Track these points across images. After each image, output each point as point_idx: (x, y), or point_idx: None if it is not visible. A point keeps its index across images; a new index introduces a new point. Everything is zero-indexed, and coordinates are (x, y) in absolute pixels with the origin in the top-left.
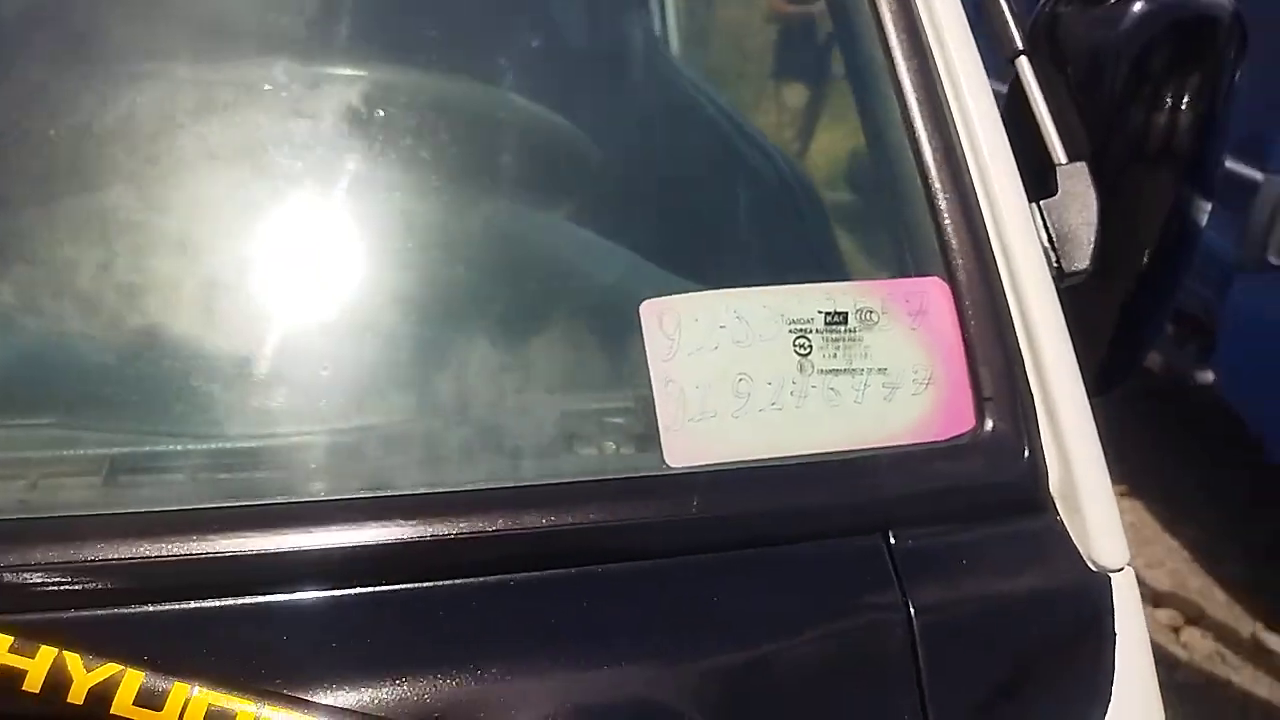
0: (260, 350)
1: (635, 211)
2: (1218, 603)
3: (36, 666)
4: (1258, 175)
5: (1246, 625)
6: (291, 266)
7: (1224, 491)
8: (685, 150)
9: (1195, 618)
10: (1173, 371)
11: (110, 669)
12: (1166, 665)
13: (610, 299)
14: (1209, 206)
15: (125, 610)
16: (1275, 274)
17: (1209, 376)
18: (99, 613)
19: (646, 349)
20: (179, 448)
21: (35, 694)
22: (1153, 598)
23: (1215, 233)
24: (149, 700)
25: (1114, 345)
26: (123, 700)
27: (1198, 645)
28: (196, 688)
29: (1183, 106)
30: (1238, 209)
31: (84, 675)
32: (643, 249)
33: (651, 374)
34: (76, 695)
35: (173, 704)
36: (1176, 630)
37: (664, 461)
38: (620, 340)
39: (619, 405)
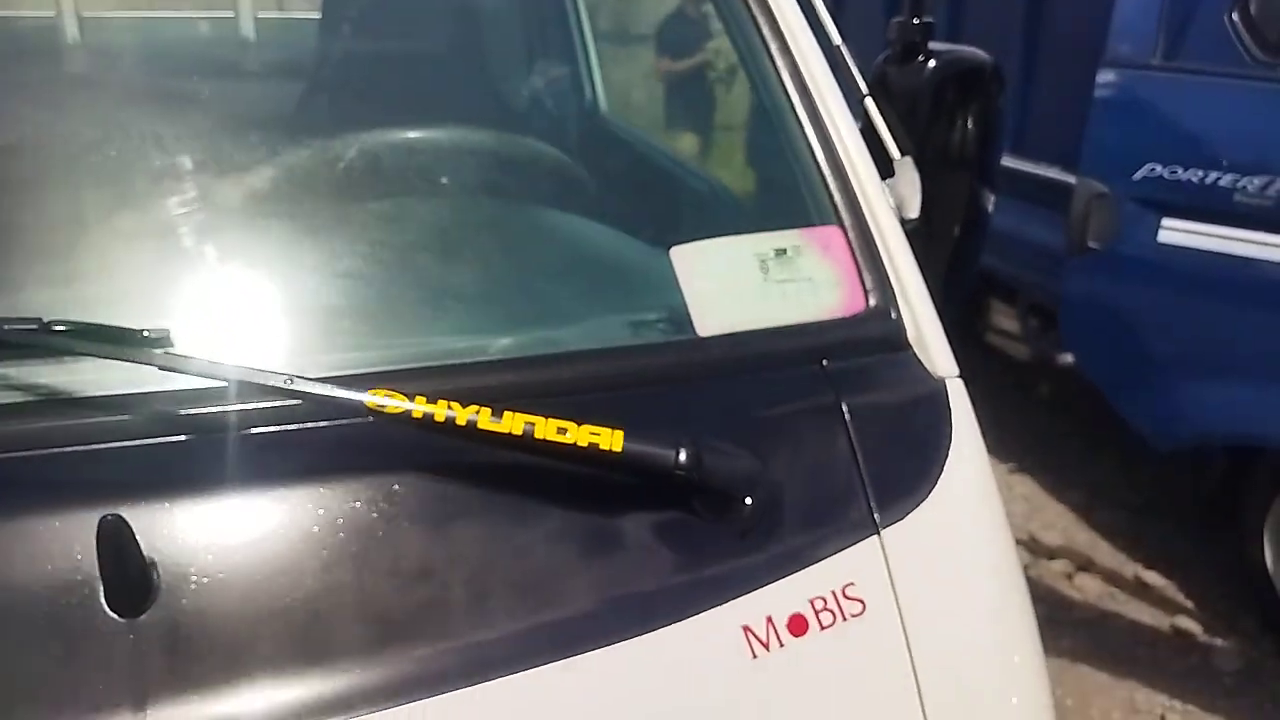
0: None
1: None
2: (1103, 551)
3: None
4: (1072, 180)
5: (1129, 568)
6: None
7: (1100, 457)
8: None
9: (1084, 565)
10: (1039, 359)
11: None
12: (1063, 606)
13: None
14: (993, 194)
15: None
16: (1094, 255)
17: (1068, 358)
18: None
19: (677, 271)
20: None
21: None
22: (1047, 552)
23: (1048, 232)
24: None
25: (947, 279)
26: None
27: (1089, 587)
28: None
29: (968, 126)
30: (1063, 210)
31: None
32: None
33: (682, 284)
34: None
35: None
36: (1070, 576)
37: (695, 331)
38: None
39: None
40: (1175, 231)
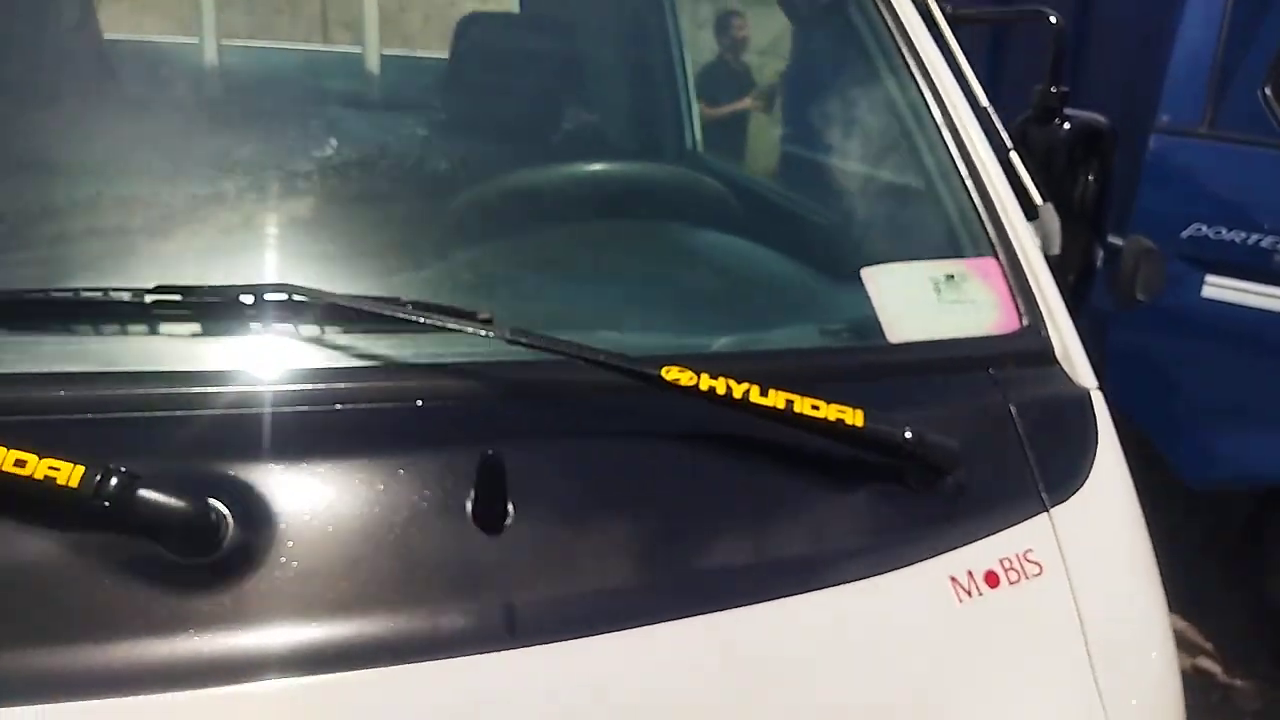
0: None
1: None
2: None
3: None
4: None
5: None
6: None
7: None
8: None
9: None
10: None
11: None
12: None
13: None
14: (1101, 248)
15: None
16: (1141, 308)
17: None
18: None
19: (868, 287)
20: None
21: None
22: None
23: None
24: None
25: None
26: None
27: None
28: None
29: (1089, 181)
30: (1112, 269)
31: None
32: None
33: (872, 298)
34: None
35: None
36: None
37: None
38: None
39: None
40: (1217, 288)
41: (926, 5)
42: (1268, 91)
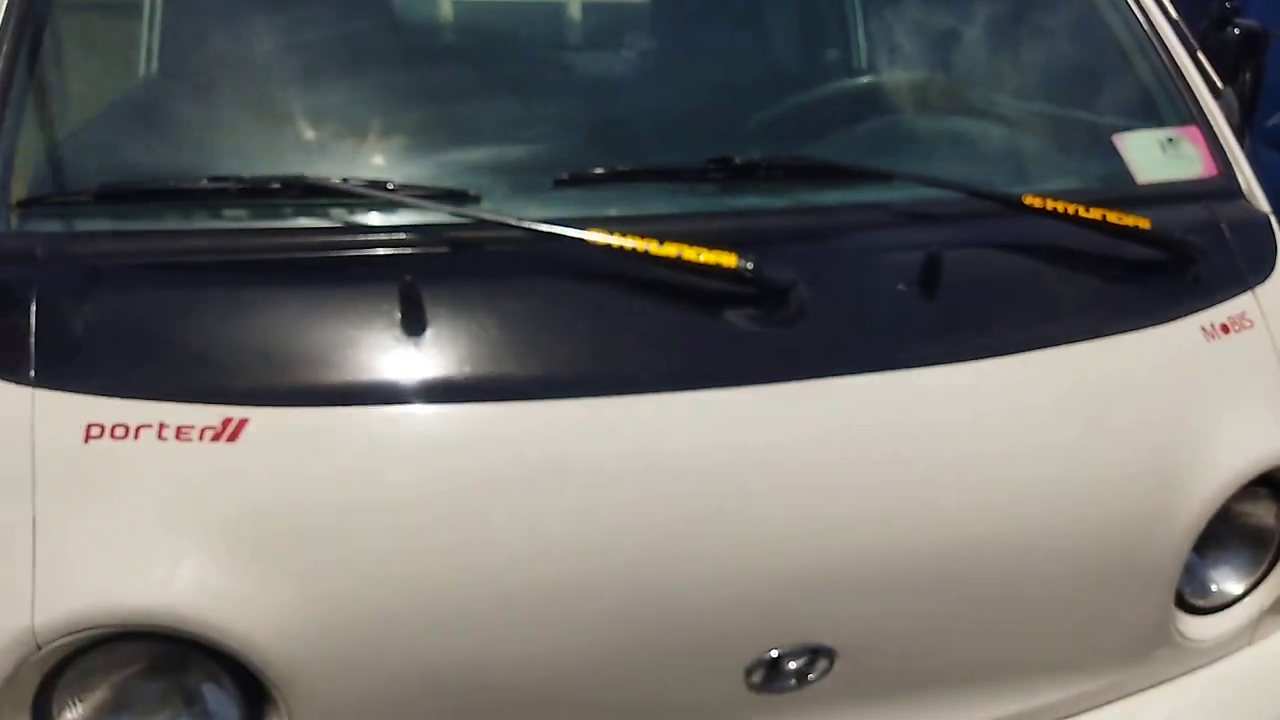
0: None
1: None
2: None
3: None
4: None
5: None
6: None
7: None
8: None
9: None
10: None
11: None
12: None
13: None
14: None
15: None
16: None
17: None
18: None
19: (1120, 147)
20: None
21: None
22: None
23: None
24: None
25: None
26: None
27: None
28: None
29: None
30: None
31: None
32: None
33: (1124, 154)
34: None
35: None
36: None
37: (1135, 180)
38: None
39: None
40: None
41: None
42: None
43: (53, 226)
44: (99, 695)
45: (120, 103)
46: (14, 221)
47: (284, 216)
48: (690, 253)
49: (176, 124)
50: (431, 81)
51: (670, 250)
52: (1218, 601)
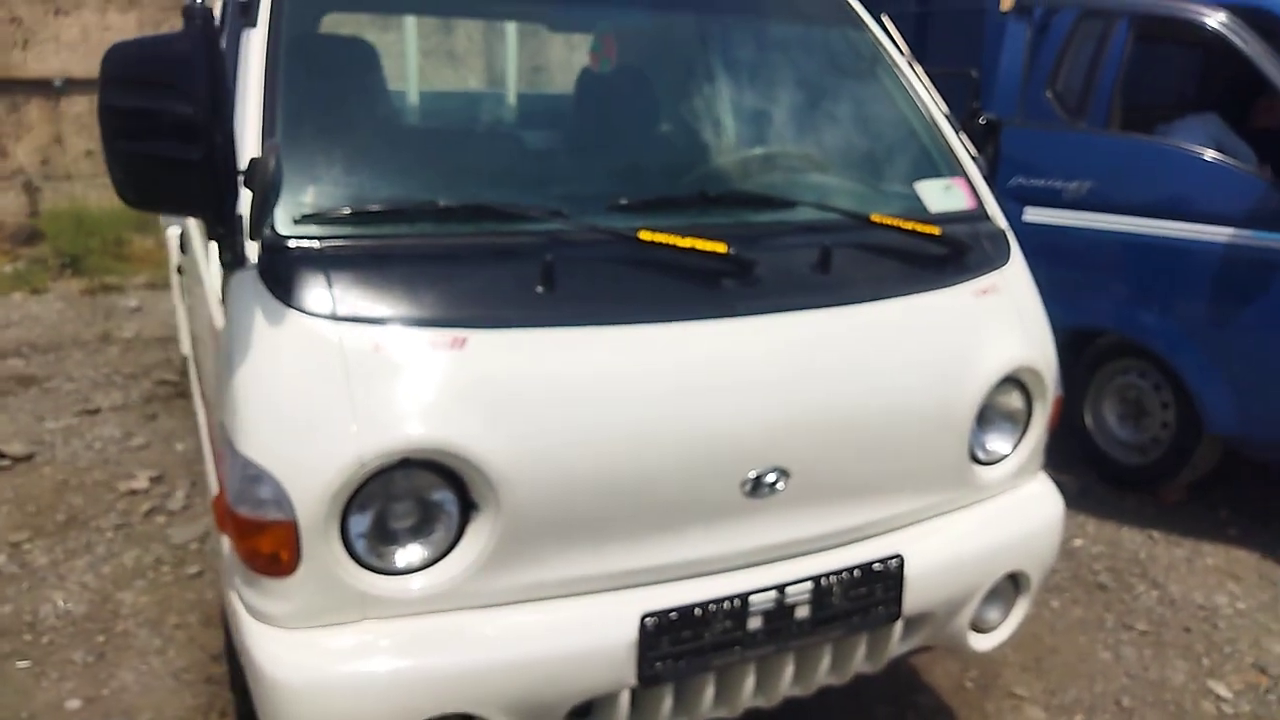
0: None
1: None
2: None
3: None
4: None
5: None
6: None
7: None
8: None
9: None
10: None
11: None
12: None
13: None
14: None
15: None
16: None
17: None
18: None
19: (918, 189)
20: None
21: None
22: None
23: None
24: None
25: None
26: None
27: None
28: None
29: (992, 145)
30: None
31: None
32: None
33: (920, 194)
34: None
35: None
36: None
37: (929, 210)
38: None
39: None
40: (1033, 212)
41: (897, 43)
42: (1048, 94)
43: (318, 230)
44: (376, 505)
45: (353, 142)
46: (297, 228)
47: (472, 223)
48: (700, 243)
49: (396, 165)
50: (542, 146)
51: (688, 241)
52: (994, 458)
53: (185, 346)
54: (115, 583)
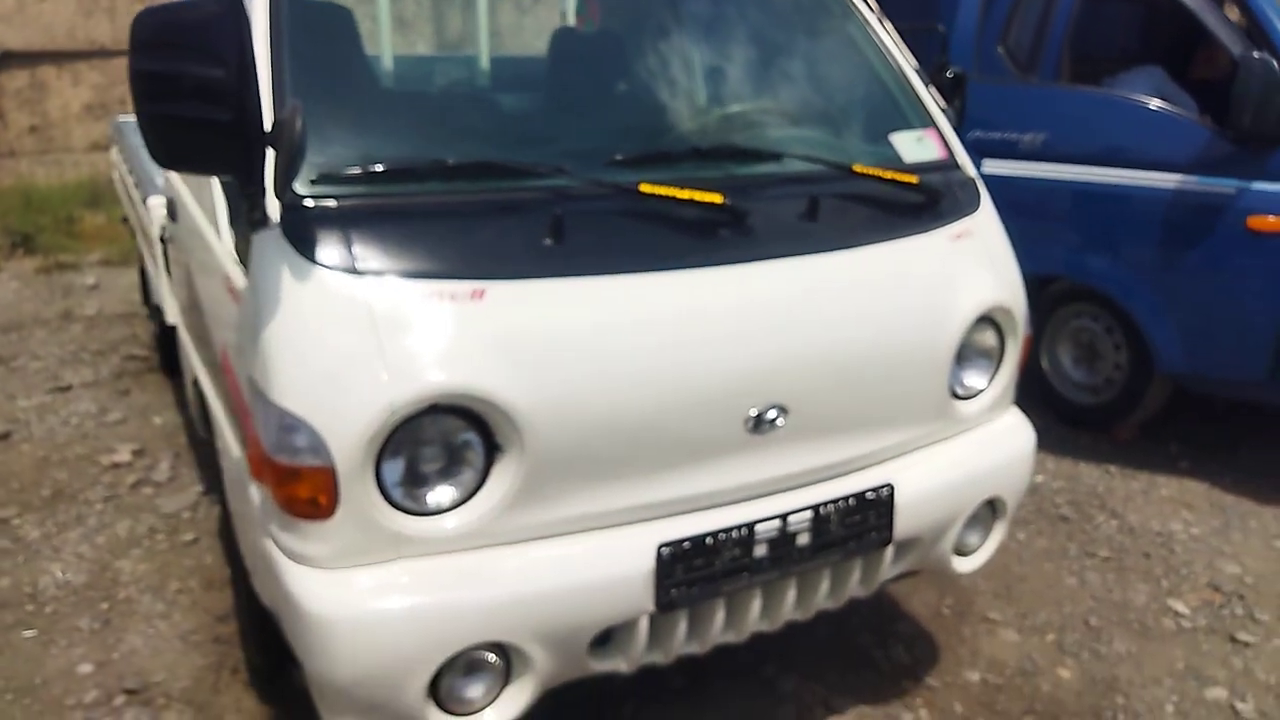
0: None
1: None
2: None
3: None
4: None
5: None
6: None
7: None
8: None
9: None
10: None
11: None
12: None
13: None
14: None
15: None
16: None
17: None
18: None
19: (893, 140)
20: None
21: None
22: None
23: None
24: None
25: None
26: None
27: None
28: None
29: (959, 95)
30: None
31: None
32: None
33: (895, 145)
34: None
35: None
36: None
37: (903, 160)
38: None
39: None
40: (988, 165)
41: (868, 2)
42: (999, 50)
43: (338, 189)
44: (407, 449)
45: (359, 105)
46: (314, 188)
47: (481, 181)
48: (698, 195)
49: (402, 126)
50: (535, 106)
51: (686, 193)
52: (971, 392)
53: (171, 316)
54: (111, 552)
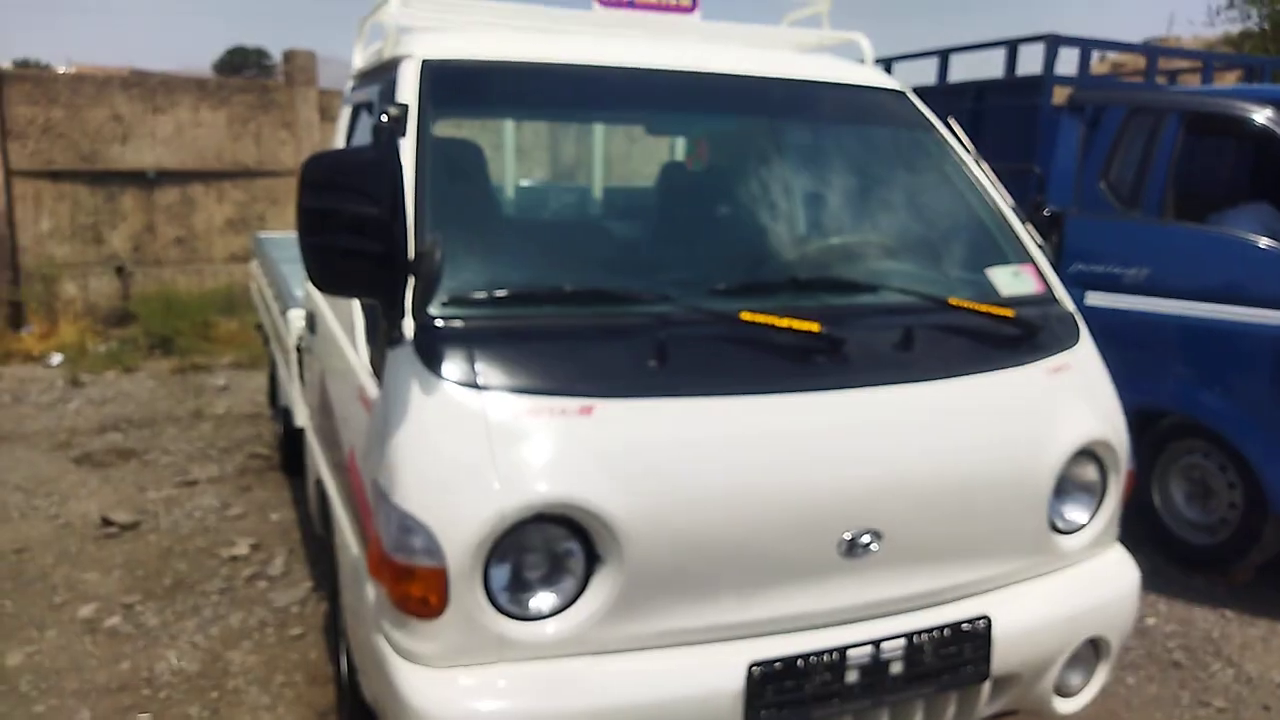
0: None
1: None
2: None
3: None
4: None
5: None
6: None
7: None
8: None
9: None
10: None
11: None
12: None
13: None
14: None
15: None
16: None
17: None
18: None
19: (989, 274)
20: None
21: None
22: None
23: None
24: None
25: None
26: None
27: None
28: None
29: (1056, 234)
30: None
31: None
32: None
33: (991, 278)
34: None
35: None
36: None
37: (1000, 294)
38: None
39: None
40: (1094, 296)
41: (963, 142)
42: (1101, 185)
43: (465, 312)
44: (513, 555)
45: (486, 236)
46: (444, 309)
47: (593, 306)
48: (796, 323)
49: (523, 255)
50: (644, 237)
51: (785, 321)
52: (1073, 527)
53: (300, 419)
54: (223, 642)
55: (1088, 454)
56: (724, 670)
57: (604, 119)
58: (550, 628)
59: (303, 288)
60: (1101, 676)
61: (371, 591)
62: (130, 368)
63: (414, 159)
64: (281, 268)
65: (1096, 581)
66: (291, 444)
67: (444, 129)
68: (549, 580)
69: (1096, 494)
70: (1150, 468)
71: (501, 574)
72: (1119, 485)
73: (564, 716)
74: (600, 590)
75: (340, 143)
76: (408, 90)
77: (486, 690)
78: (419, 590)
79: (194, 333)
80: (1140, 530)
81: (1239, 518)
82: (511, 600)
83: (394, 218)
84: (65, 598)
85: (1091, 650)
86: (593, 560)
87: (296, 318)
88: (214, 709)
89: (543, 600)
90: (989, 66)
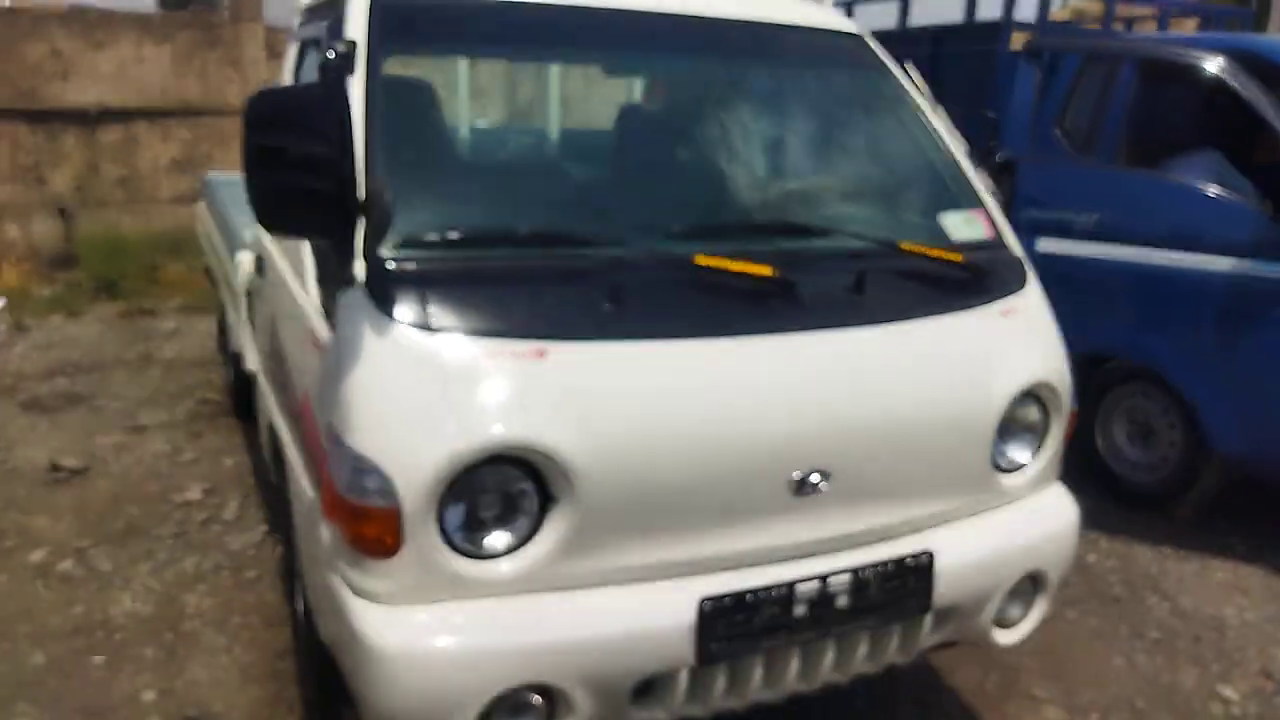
0: None
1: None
2: None
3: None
4: None
5: None
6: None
7: None
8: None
9: None
10: None
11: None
12: None
13: None
14: (1002, 199)
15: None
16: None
17: None
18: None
19: (942, 219)
20: None
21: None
22: None
23: None
24: None
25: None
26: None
27: None
28: None
29: (1008, 178)
30: None
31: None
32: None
33: (943, 223)
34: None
35: None
36: None
37: (950, 239)
38: None
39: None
40: (1043, 244)
41: (919, 86)
42: (1056, 131)
43: (417, 254)
44: (467, 496)
45: (439, 176)
46: (396, 252)
47: (547, 248)
48: (750, 267)
49: (477, 197)
50: (599, 178)
51: (739, 265)
52: (1014, 466)
53: (251, 363)
54: (178, 586)
55: (1031, 396)
56: (676, 605)
57: (558, 59)
58: (505, 566)
59: (252, 230)
60: (1040, 609)
61: (326, 533)
62: (76, 312)
63: (363, 97)
64: (230, 209)
65: (1036, 518)
66: (242, 389)
67: (394, 66)
68: (503, 520)
69: (1039, 434)
70: (1095, 410)
71: (456, 514)
72: (1061, 426)
73: (520, 651)
74: (554, 529)
75: (288, 80)
76: (356, 26)
77: (443, 626)
78: (374, 531)
79: (141, 276)
80: (1084, 471)
81: (1178, 456)
82: (466, 539)
83: (343, 156)
84: (15, 543)
85: (1030, 584)
86: (547, 500)
87: (245, 260)
88: (170, 650)
89: (497, 539)
90: (950, 11)
